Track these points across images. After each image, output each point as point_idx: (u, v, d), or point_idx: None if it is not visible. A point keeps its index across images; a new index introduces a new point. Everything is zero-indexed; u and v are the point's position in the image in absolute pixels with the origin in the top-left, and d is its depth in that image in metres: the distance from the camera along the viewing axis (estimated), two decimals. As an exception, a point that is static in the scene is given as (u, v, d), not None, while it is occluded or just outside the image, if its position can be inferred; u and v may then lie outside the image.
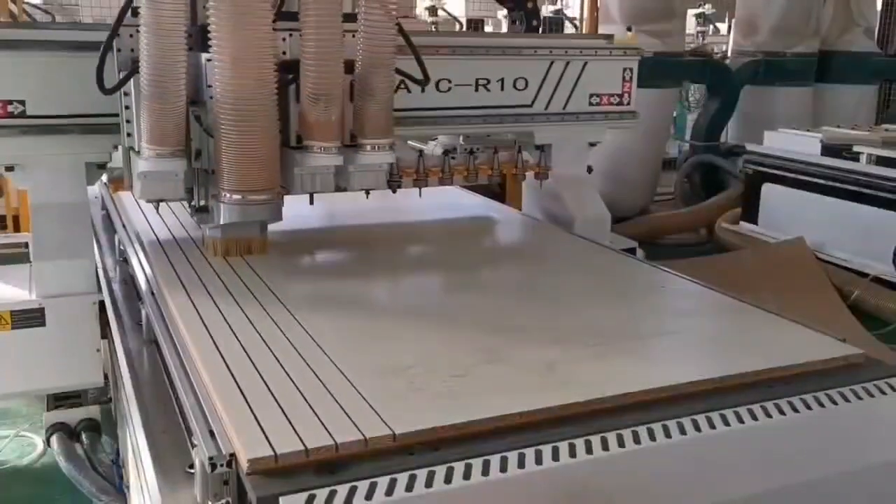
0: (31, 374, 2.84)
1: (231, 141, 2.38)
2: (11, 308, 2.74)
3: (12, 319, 2.75)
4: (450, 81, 3.12)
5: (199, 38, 2.46)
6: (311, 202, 2.83)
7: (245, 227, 2.58)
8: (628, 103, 3.56)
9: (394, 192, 3.12)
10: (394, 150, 2.64)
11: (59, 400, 3.20)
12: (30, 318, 2.77)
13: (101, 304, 2.85)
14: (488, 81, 3.22)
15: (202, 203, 2.58)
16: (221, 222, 2.50)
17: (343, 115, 2.54)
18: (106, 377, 3.02)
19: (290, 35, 2.54)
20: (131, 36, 2.44)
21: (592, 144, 3.66)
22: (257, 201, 2.45)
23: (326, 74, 2.44)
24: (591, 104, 3.46)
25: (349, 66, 2.53)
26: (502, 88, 3.25)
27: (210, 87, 2.41)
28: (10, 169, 2.78)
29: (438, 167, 3.19)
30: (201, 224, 2.65)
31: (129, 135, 2.56)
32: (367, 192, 2.83)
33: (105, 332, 2.88)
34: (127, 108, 2.53)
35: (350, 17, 2.52)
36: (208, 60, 2.40)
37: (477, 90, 3.20)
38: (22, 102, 2.67)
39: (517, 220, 3.51)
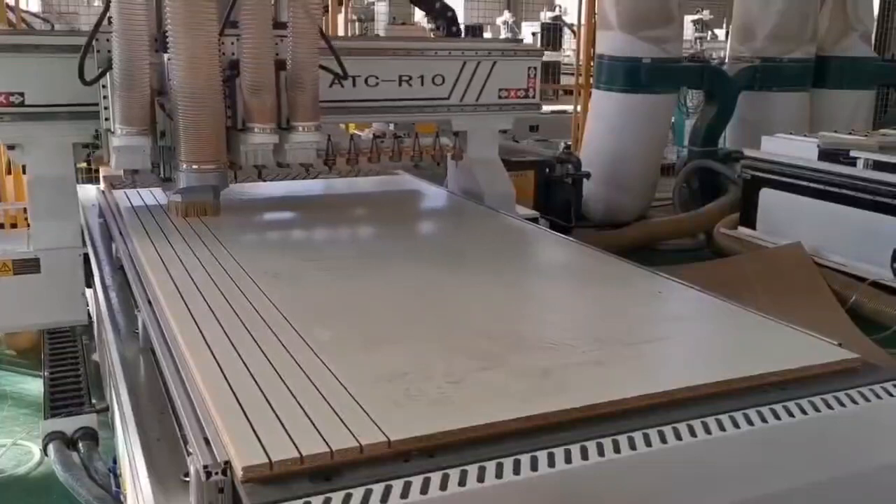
0: (28, 312, 3.40)
1: (187, 123, 3.01)
2: (13, 258, 3.32)
3: (13, 267, 3.33)
4: (377, 78, 3.74)
5: (163, 42, 3.04)
6: (260, 176, 3.51)
7: (200, 191, 3.17)
8: (533, 96, 4.14)
9: (329, 169, 3.82)
10: (320, 130, 3.28)
11: (56, 409, 3.20)
12: (27, 266, 3.33)
13: (86, 256, 3.37)
14: (410, 78, 3.82)
15: (167, 175, 3.20)
16: (181, 186, 3.12)
17: (279, 103, 3.19)
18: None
19: (238, 39, 3.14)
20: (108, 40, 3.03)
21: (503, 131, 4.23)
22: (208, 169, 3.10)
23: (261, 71, 3.09)
24: (500, 97, 4.03)
25: (283, 64, 3.19)
26: (422, 84, 3.85)
27: (170, 80, 3.01)
28: (11, 147, 3.38)
29: (368, 149, 3.79)
30: (166, 191, 3.26)
31: (107, 119, 3.17)
32: (307, 170, 3.56)
33: (89, 282, 3.39)
34: (105, 97, 3.15)
35: (282, 25, 3.20)
36: (169, 60, 2.99)
37: (401, 85, 3.80)
38: (21, 94, 3.23)
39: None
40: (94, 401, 3.30)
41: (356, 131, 4.16)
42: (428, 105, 3.90)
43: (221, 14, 3.08)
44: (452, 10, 5.30)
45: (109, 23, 2.96)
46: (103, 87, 3.14)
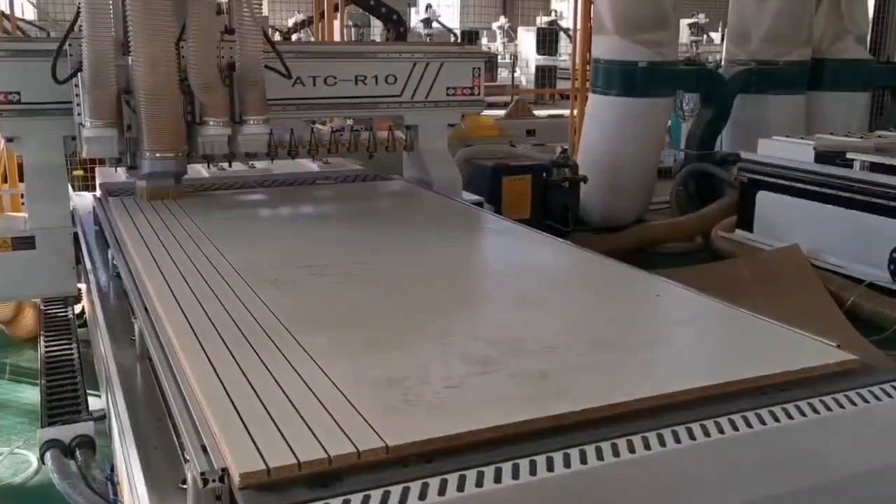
0: (25, 284, 3.78)
1: (148, 116, 3.45)
2: (12, 236, 3.71)
3: (12, 244, 3.71)
4: (335, 78, 4.15)
5: (127, 46, 3.44)
6: (230, 166, 4.11)
7: (162, 177, 3.62)
8: (478, 94, 4.54)
9: (293, 158, 4.27)
10: (268, 123, 3.74)
11: (52, 417, 3.18)
12: (24, 243, 3.72)
13: (76, 234, 3.79)
14: (366, 77, 4.23)
15: (132, 163, 3.62)
16: (144, 172, 3.58)
17: (232, 100, 3.62)
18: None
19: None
20: (80, 45, 3.40)
21: (451, 125, 4.63)
22: (168, 157, 3.57)
23: (204, 71, 3.49)
24: (447, 94, 4.43)
25: (234, 65, 3.62)
26: (377, 83, 4.26)
27: (134, 80, 3.44)
28: (10, 140, 3.79)
29: (327, 141, 4.29)
30: (132, 178, 3.71)
31: (79, 114, 3.57)
32: (272, 159, 4.14)
33: (78, 258, 3.77)
34: (77, 95, 3.55)
35: (233, 31, 3.58)
36: (132, 62, 3.42)
37: (357, 84, 4.21)
38: (18, 93, 3.63)
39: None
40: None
41: (320, 126, 4.70)
42: (382, 102, 4.30)
43: (180, 22, 3.48)
44: (399, 14, 5.74)
45: (80, 30, 3.36)
46: (76, 86, 3.54)
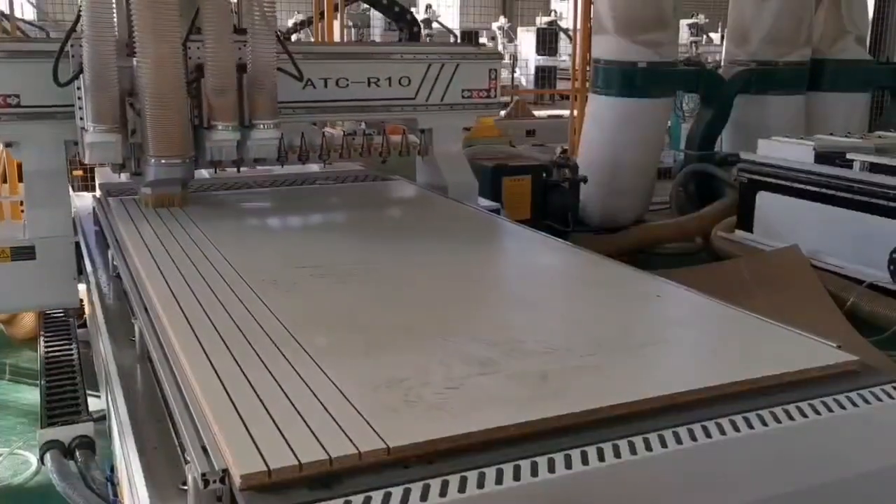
0: (25, 296, 3.66)
1: (154, 120, 3.29)
2: (10, 245, 3.58)
3: (11, 254, 3.57)
4: (347, 80, 4.04)
5: (132, 47, 3.31)
6: (238, 171, 3.85)
7: (167, 183, 3.46)
8: (494, 96, 4.44)
9: (304, 163, 4.16)
10: (279, 128, 3.58)
11: (52, 418, 3.18)
12: (24, 253, 3.59)
13: (77, 244, 3.68)
14: (378, 79, 4.11)
15: (137, 169, 3.50)
16: (150, 178, 3.42)
17: (241, 103, 3.49)
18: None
19: (202, 44, 3.43)
20: (81, 46, 3.27)
21: (466, 129, 4.57)
22: (174, 163, 3.40)
23: (222, 74, 3.39)
24: (463, 97, 4.32)
25: (244, 67, 3.49)
26: (390, 85, 4.14)
27: (139, 82, 3.29)
28: (9, 145, 3.69)
29: (339, 146, 4.14)
30: (135, 181, 3.59)
31: (81, 118, 3.44)
32: (282, 164, 3.97)
33: (80, 268, 3.66)
34: (79, 98, 3.43)
35: (244, 31, 3.48)
36: (137, 63, 3.27)
37: (369, 86, 4.10)
38: (17, 96, 3.50)
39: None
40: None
41: (329, 129, 4.60)
42: (395, 104, 4.20)
43: (187, 22, 3.41)
44: (411, 13, 5.58)
45: (82, 30, 3.25)
46: (78, 88, 3.42)
